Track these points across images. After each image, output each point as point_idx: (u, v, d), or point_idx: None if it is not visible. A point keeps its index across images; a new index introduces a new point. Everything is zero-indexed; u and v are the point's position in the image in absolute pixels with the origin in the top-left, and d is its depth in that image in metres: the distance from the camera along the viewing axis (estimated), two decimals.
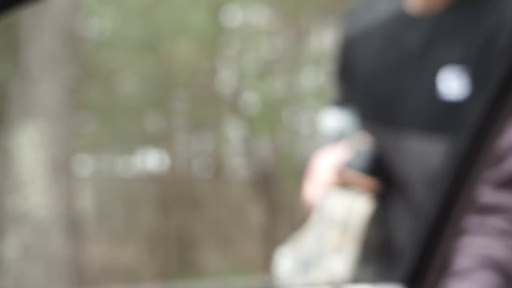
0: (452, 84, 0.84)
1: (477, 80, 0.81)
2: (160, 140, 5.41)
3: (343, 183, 0.91)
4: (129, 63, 5.54)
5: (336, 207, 0.90)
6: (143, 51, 5.37)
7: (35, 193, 3.97)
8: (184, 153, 5.90)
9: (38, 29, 4.09)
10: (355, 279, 0.85)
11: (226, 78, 5.93)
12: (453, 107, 0.84)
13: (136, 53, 5.36)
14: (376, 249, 0.93)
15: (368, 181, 0.90)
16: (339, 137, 0.96)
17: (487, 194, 0.66)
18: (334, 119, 0.98)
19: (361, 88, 0.97)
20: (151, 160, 5.81)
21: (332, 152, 0.94)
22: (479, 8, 0.84)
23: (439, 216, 0.60)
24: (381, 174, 0.91)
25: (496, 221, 0.66)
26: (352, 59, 0.98)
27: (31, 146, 4.02)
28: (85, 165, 5.68)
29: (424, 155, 0.86)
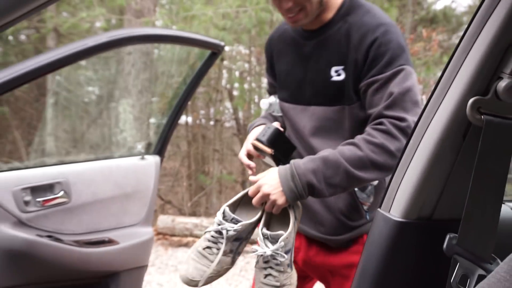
0: (336, 73, 1.24)
1: (348, 71, 1.22)
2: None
3: (254, 149, 1.26)
4: None
5: None
6: None
7: None
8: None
9: None
10: None
11: None
12: (337, 86, 1.23)
13: None
14: None
15: (267, 149, 1.22)
16: (269, 113, 1.46)
17: None
18: (267, 102, 1.45)
19: (279, 79, 1.39)
20: None
21: (258, 128, 1.33)
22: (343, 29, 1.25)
23: None
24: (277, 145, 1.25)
25: None
26: (272, 58, 1.42)
27: None
28: None
29: (323, 115, 1.27)
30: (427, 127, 0.75)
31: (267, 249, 1.10)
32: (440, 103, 0.74)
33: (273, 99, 1.46)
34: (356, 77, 1.21)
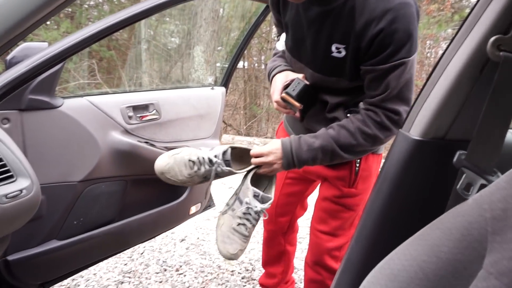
0: (336, 50, 0.99)
1: (349, 52, 0.97)
2: None
3: (283, 100, 1.08)
4: None
5: None
6: None
7: None
8: None
9: None
10: None
11: None
12: (336, 62, 0.99)
13: None
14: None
15: (297, 103, 1.07)
16: (280, 49, 1.21)
17: None
18: (282, 44, 1.17)
19: (285, 26, 1.11)
20: None
21: (282, 75, 1.13)
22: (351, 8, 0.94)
23: None
24: (304, 100, 1.08)
25: None
26: (281, 13, 1.11)
27: None
28: None
29: (319, 79, 1.06)
30: (450, 60, 0.67)
31: (258, 205, 1.03)
32: (464, 40, 0.66)
33: (282, 39, 1.18)
34: (356, 59, 0.98)
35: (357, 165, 1.15)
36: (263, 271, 2.11)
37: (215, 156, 1.08)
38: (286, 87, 1.12)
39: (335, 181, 1.18)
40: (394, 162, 0.75)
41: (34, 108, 1.14)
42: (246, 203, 1.04)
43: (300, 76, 1.10)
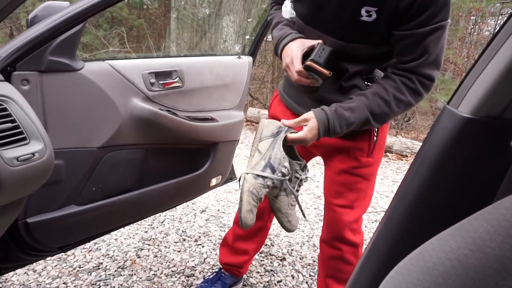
0: (367, 13, 0.92)
1: (382, 14, 0.91)
2: None
3: (307, 69, 1.00)
4: None
5: None
6: None
7: None
8: None
9: None
10: None
11: None
12: (365, 26, 0.94)
13: None
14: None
15: (325, 71, 0.99)
16: (288, 18, 1.13)
17: None
18: (288, 12, 1.11)
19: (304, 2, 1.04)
20: None
21: (299, 44, 1.03)
22: None
23: None
24: (331, 66, 1.00)
25: None
26: None
27: None
28: None
29: (339, 47, 1.00)
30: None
31: (303, 174, 1.05)
32: None
33: (290, 7, 1.11)
34: (390, 23, 0.91)
35: (375, 134, 1.14)
36: (282, 246, 2.09)
37: (284, 169, 1.00)
38: (305, 56, 1.03)
39: (354, 152, 1.15)
40: (437, 142, 0.66)
41: (54, 70, 1.10)
42: (296, 177, 1.01)
43: (318, 41, 1.02)
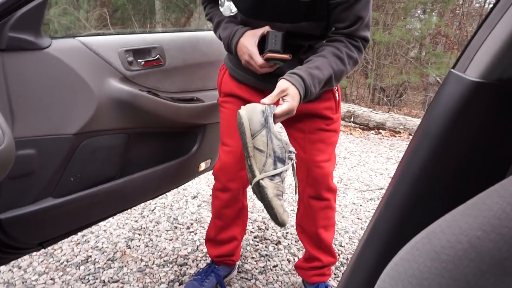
0: None
1: None
2: None
3: (267, 60, 1.07)
4: None
5: None
6: None
7: None
8: None
9: None
10: None
11: None
12: (305, 6, 1.04)
13: None
14: None
15: (286, 56, 1.06)
16: (228, 15, 1.16)
17: None
18: (228, 9, 1.14)
19: None
20: None
21: (250, 37, 1.10)
22: None
23: None
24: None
25: None
26: None
27: None
28: None
29: (288, 28, 1.08)
30: None
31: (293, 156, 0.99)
32: None
33: (228, 3, 1.15)
34: None
35: (336, 91, 1.28)
36: (276, 229, 2.04)
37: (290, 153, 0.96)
38: (259, 46, 1.08)
39: (325, 111, 1.26)
40: (442, 111, 0.59)
41: (16, 48, 1.00)
42: (290, 158, 0.96)
43: (267, 29, 1.09)
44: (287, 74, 1.02)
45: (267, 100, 0.97)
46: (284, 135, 1.10)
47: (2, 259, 1.15)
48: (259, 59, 1.07)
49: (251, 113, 0.94)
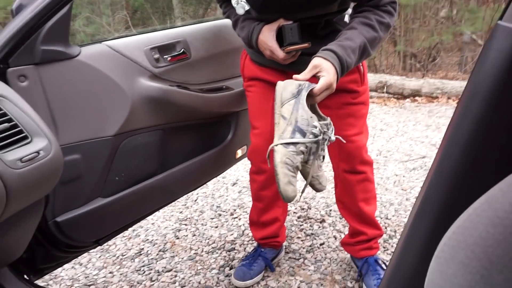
0: None
1: None
2: None
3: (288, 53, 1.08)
4: None
5: None
6: None
7: None
8: None
9: None
10: None
11: None
12: None
13: None
14: None
15: (305, 44, 1.07)
16: (242, 13, 1.15)
17: None
18: (241, 7, 1.13)
19: None
20: None
21: (267, 33, 1.10)
22: None
23: None
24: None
25: None
26: None
27: None
28: None
29: (306, 15, 1.09)
30: None
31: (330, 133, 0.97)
32: None
33: (242, 2, 1.13)
34: None
35: (361, 64, 1.23)
36: (319, 208, 2.02)
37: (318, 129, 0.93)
38: (277, 38, 1.09)
39: (350, 85, 1.23)
40: (491, 68, 0.53)
41: (50, 60, 1.03)
42: (324, 138, 0.93)
43: (281, 21, 1.09)
44: (318, 52, 1.00)
45: (300, 76, 0.95)
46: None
47: (64, 258, 1.22)
48: (280, 53, 1.08)
49: (287, 84, 0.95)
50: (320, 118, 0.98)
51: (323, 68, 0.95)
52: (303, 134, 0.89)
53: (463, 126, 0.58)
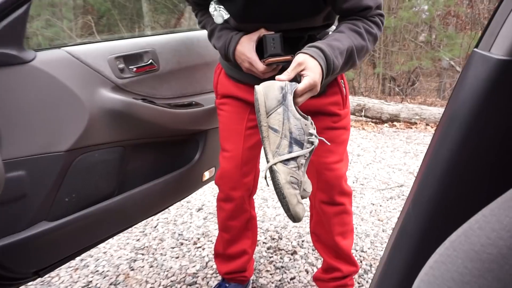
0: None
1: None
2: None
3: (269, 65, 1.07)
4: None
5: None
6: None
7: None
8: None
9: None
10: None
11: None
12: (304, 2, 1.03)
13: None
14: None
15: (287, 57, 1.04)
16: (220, 22, 1.13)
17: None
18: (220, 16, 1.11)
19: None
20: None
21: (246, 43, 1.09)
22: None
23: None
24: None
25: None
26: None
27: None
28: None
29: (286, 27, 1.10)
30: None
31: (315, 139, 0.94)
32: None
33: (219, 10, 1.13)
34: None
35: (343, 84, 1.25)
36: (291, 238, 2.02)
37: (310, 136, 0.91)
38: (257, 49, 1.08)
39: (331, 107, 1.23)
40: (468, 94, 0.57)
41: (0, 64, 1.00)
42: (310, 142, 0.90)
43: (262, 31, 1.09)
44: (303, 48, 0.98)
45: (283, 76, 0.92)
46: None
47: None
48: (260, 66, 1.05)
49: (267, 89, 0.90)
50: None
51: (308, 67, 0.92)
52: (301, 145, 0.87)
53: (440, 155, 0.61)
